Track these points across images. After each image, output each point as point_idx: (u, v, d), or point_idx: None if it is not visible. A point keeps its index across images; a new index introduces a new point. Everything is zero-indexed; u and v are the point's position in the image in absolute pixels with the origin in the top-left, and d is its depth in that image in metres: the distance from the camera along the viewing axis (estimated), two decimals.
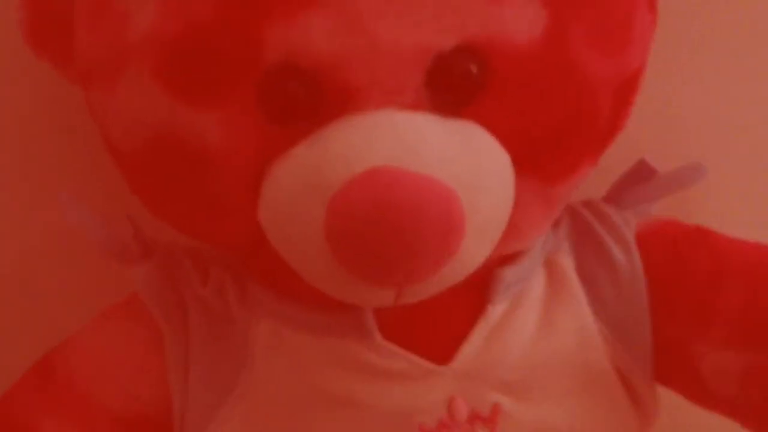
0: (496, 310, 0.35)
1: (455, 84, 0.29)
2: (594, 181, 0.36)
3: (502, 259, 0.35)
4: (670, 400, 0.38)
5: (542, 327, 0.36)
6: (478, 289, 0.35)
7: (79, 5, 0.32)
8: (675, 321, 0.36)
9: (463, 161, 0.29)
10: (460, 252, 0.29)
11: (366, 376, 0.34)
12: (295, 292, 0.34)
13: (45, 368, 0.37)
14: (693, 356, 0.36)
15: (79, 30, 0.32)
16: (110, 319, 0.37)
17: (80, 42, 0.33)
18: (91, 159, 0.39)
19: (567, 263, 0.37)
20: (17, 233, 0.43)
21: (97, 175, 0.39)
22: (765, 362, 0.35)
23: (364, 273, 0.29)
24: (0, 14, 0.37)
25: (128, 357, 0.36)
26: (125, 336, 0.37)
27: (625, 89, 0.33)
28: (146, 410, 0.36)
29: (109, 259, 0.36)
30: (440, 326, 0.35)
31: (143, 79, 0.30)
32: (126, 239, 0.36)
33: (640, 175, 0.38)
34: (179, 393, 0.36)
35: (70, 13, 0.33)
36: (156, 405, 0.36)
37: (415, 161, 0.28)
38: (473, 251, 0.30)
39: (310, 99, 0.29)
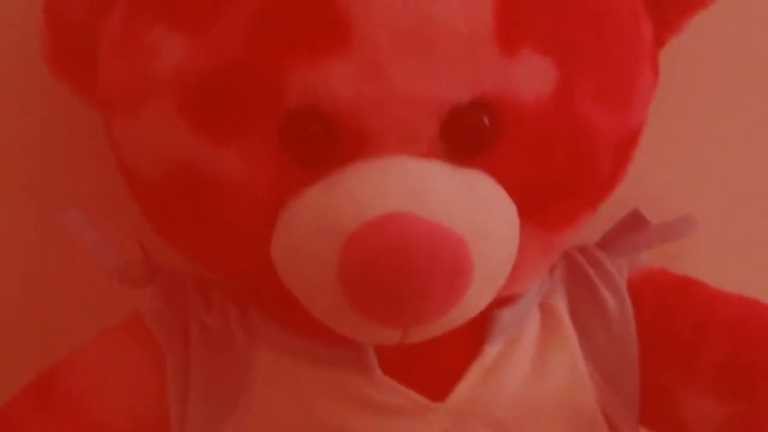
0: (492, 351, 0.36)
1: (468, 135, 0.31)
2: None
3: (500, 301, 0.36)
4: None
5: (535, 368, 0.37)
6: (476, 330, 0.36)
7: (107, 34, 0.33)
8: (662, 368, 0.38)
9: (473, 210, 0.30)
10: (466, 296, 0.30)
11: (363, 410, 0.35)
12: (298, 323, 0.35)
13: (44, 384, 0.37)
14: (677, 403, 0.37)
15: (104, 57, 0.33)
16: (111, 339, 0.38)
17: (105, 70, 0.33)
18: (100, 181, 0.40)
19: (561, 307, 0.38)
20: (23, 249, 0.43)
21: (105, 196, 0.40)
22: (746, 412, 0.36)
23: (374, 314, 0.30)
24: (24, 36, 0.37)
25: (128, 377, 0.37)
26: (126, 356, 0.37)
27: (626, 145, 0.35)
28: (144, 430, 0.37)
29: (114, 280, 0.37)
30: (438, 364, 0.36)
31: (167, 112, 0.31)
32: (133, 262, 0.37)
33: (633, 224, 0.40)
34: (177, 415, 0.36)
35: (94, 39, 0.34)
36: (154, 425, 0.36)
37: (427, 208, 0.29)
38: (479, 296, 0.31)
39: (328, 141, 0.30)
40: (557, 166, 0.32)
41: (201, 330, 0.37)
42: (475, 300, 0.31)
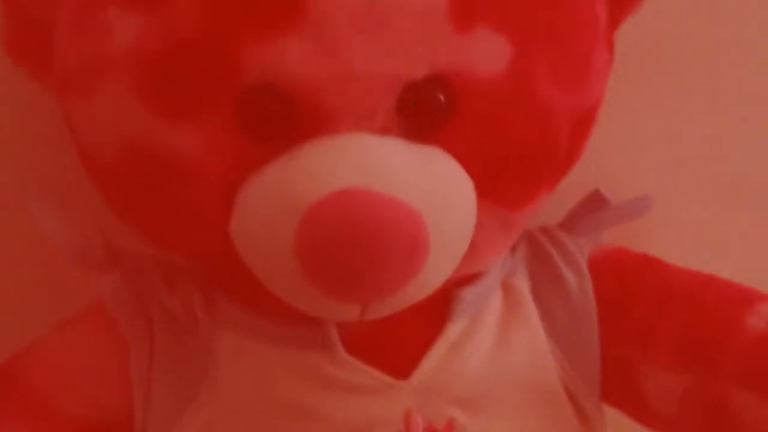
0: (455, 328, 0.36)
1: (424, 111, 0.31)
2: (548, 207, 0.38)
3: (462, 279, 0.37)
4: (615, 419, 0.40)
5: (498, 346, 0.37)
6: (438, 308, 0.36)
7: (61, 16, 0.33)
8: (622, 343, 0.38)
9: (429, 184, 0.30)
10: (424, 271, 0.30)
11: (326, 389, 0.35)
12: (259, 303, 0.35)
13: (6, 373, 0.37)
14: (637, 377, 0.38)
15: (59, 40, 0.33)
16: (74, 326, 0.38)
17: (60, 51, 0.33)
18: (62, 166, 0.40)
19: (523, 285, 0.39)
20: None
21: (67, 182, 0.40)
22: (703, 384, 0.37)
23: (331, 288, 0.30)
24: None
25: (92, 364, 0.37)
26: (89, 343, 0.37)
27: (583, 122, 0.35)
28: (109, 417, 0.37)
29: (76, 265, 0.37)
30: (401, 342, 0.36)
31: (122, 92, 0.31)
32: (95, 247, 0.36)
33: (594, 204, 0.40)
34: (142, 400, 0.36)
35: (51, 23, 0.33)
36: (118, 412, 0.36)
37: (383, 183, 0.29)
38: (436, 270, 0.32)
39: (285, 119, 0.30)
40: (513, 142, 0.33)
41: (164, 314, 0.37)
42: (433, 275, 0.32)
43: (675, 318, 0.38)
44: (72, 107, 0.33)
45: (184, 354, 0.36)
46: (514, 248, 0.39)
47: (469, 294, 0.37)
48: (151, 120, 0.31)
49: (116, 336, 0.36)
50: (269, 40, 0.29)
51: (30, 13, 0.34)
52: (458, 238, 0.32)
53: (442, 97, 0.31)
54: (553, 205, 0.39)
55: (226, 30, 0.29)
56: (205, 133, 0.31)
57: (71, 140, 0.35)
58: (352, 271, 0.29)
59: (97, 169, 0.34)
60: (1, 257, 0.43)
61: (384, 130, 0.31)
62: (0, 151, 0.42)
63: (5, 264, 0.43)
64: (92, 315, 0.37)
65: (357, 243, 0.29)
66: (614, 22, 0.36)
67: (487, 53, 0.31)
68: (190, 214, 0.32)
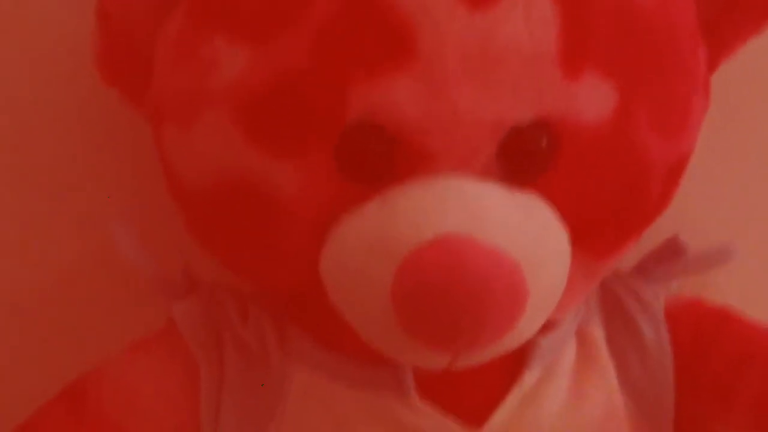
0: (530, 378, 0.36)
1: (525, 156, 0.30)
2: None
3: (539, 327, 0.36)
4: None
5: (572, 396, 0.36)
6: (515, 356, 0.35)
7: (163, 43, 0.33)
8: (697, 400, 0.37)
9: (528, 234, 0.30)
10: (520, 323, 0.30)
11: None
12: (336, 342, 0.35)
13: (76, 393, 0.36)
14: None
15: (160, 66, 0.33)
16: (145, 350, 0.37)
17: (159, 78, 0.33)
18: (146, 190, 0.40)
19: (598, 334, 0.38)
20: (64, 256, 0.43)
21: (150, 206, 0.40)
22: None
23: (427, 338, 0.29)
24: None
25: (161, 389, 0.36)
26: (160, 368, 0.36)
27: (676, 170, 0.34)
28: None
29: (153, 289, 0.36)
30: (475, 389, 0.35)
31: (223, 123, 0.31)
32: (173, 272, 0.36)
33: (672, 251, 0.39)
34: (209, 429, 0.36)
35: (148, 45, 0.33)
36: None
37: (484, 230, 0.29)
38: (531, 322, 0.31)
39: (386, 157, 0.30)
40: (610, 190, 0.32)
41: (236, 344, 0.36)
42: (527, 326, 0.31)
43: (754, 379, 0.37)
44: (167, 134, 0.33)
45: (254, 385, 0.36)
46: (588, 295, 0.38)
47: (546, 342, 0.36)
48: (251, 153, 0.30)
49: (188, 362, 0.36)
50: (377, 79, 0.29)
51: (127, 33, 0.34)
52: (553, 289, 0.31)
53: (544, 142, 0.30)
54: None
55: (334, 67, 0.29)
56: (303, 169, 0.30)
57: (159, 165, 0.35)
58: (451, 321, 0.28)
59: (186, 197, 0.34)
60: (78, 276, 0.43)
61: (483, 173, 0.30)
62: (84, 173, 0.43)
63: (82, 283, 0.43)
64: (164, 339, 0.37)
65: (458, 293, 0.28)
66: (712, 65, 0.35)
67: (593, 99, 0.30)
68: (279, 250, 0.32)
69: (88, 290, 0.43)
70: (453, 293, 0.28)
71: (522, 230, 0.30)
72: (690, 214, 0.42)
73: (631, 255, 0.40)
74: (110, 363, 0.37)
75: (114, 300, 0.43)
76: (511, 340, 0.31)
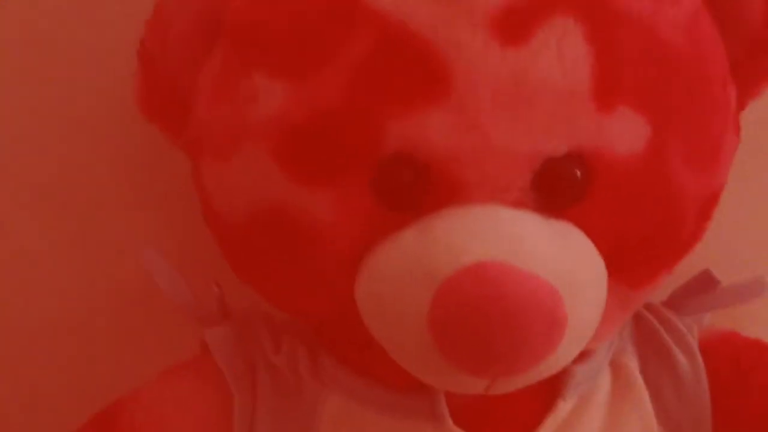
0: (565, 406, 0.36)
1: (559, 188, 0.31)
2: None
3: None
4: None
5: (608, 427, 0.36)
6: (550, 384, 0.35)
7: (203, 78, 0.34)
8: None
9: (565, 261, 0.30)
10: (558, 349, 0.30)
11: None
12: (370, 369, 0.35)
13: (109, 419, 0.37)
14: None
15: (200, 101, 0.34)
16: (179, 377, 0.38)
17: (200, 114, 0.34)
18: (177, 220, 0.41)
19: (632, 365, 0.38)
20: (99, 283, 0.44)
21: (187, 235, 0.41)
22: None
23: (465, 363, 0.30)
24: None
25: (194, 416, 0.37)
26: (193, 394, 0.37)
27: (708, 204, 0.35)
28: None
29: (188, 317, 0.37)
30: (510, 417, 0.35)
31: (261, 156, 0.32)
32: (207, 300, 0.37)
33: (703, 284, 0.39)
34: None
35: (187, 86, 0.35)
36: None
37: (520, 258, 0.29)
38: (569, 349, 0.31)
39: (421, 188, 0.31)
40: (644, 222, 0.32)
41: (269, 372, 0.37)
42: (565, 353, 0.31)
43: None
44: (206, 167, 0.34)
45: (287, 412, 0.36)
46: (622, 326, 0.39)
47: (581, 371, 0.36)
48: (288, 185, 0.31)
49: (221, 389, 0.36)
50: (412, 113, 0.30)
51: (167, 73, 0.35)
52: (591, 316, 0.32)
53: (578, 174, 0.31)
54: None
55: (371, 101, 0.30)
56: (340, 200, 0.31)
57: (195, 196, 0.36)
58: (489, 346, 0.29)
59: (224, 227, 0.35)
60: (112, 303, 0.44)
61: (518, 203, 0.31)
62: (121, 205, 0.44)
63: (116, 310, 0.44)
64: (198, 366, 0.38)
65: (496, 318, 0.28)
66: (741, 104, 0.36)
67: (627, 133, 0.31)
68: (315, 277, 0.33)
69: (124, 317, 0.44)
70: (491, 319, 0.28)
71: (559, 257, 0.30)
72: (722, 247, 0.43)
73: (663, 289, 0.40)
74: (143, 389, 0.38)
75: (149, 327, 0.43)
76: (549, 367, 0.31)
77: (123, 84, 0.36)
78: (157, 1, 0.35)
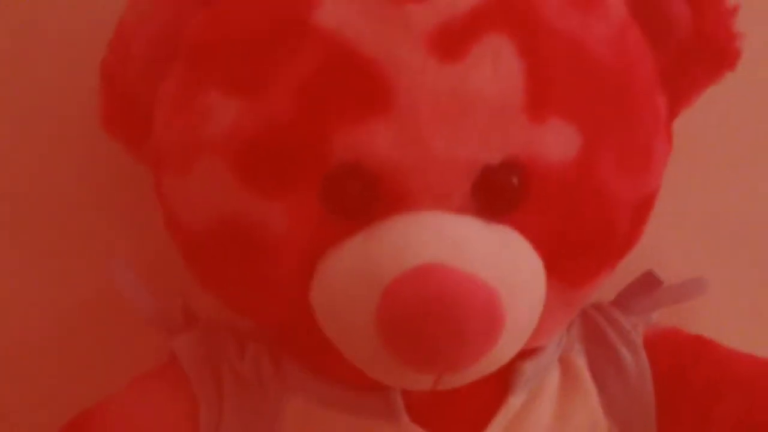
0: (515, 402, 0.37)
1: (498, 194, 0.33)
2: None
3: (523, 353, 0.37)
4: None
5: (557, 420, 0.38)
6: (500, 381, 0.37)
7: (163, 97, 0.36)
8: (678, 423, 0.39)
9: (504, 262, 0.32)
10: (498, 345, 0.31)
11: None
12: (329, 370, 0.37)
13: (79, 426, 0.38)
14: None
15: (160, 117, 0.36)
16: (147, 384, 0.39)
17: (159, 128, 0.36)
18: (147, 232, 0.42)
19: (580, 362, 0.40)
20: (65, 293, 0.45)
21: (151, 247, 0.42)
22: None
23: (410, 359, 0.31)
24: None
25: (162, 422, 0.38)
26: (161, 401, 0.38)
27: (642, 208, 0.37)
28: None
29: (153, 327, 0.38)
30: (463, 413, 0.37)
31: (218, 169, 0.33)
32: (172, 309, 0.38)
33: (647, 284, 0.41)
34: None
35: (147, 101, 0.36)
36: None
37: (461, 260, 0.31)
38: (509, 345, 0.33)
39: (368, 197, 0.32)
40: (579, 225, 0.34)
41: (234, 378, 0.38)
42: (505, 349, 0.33)
43: (730, 402, 0.38)
44: (166, 180, 0.36)
45: (252, 417, 0.38)
46: (569, 325, 0.40)
47: (529, 367, 0.38)
48: (243, 195, 0.33)
49: (188, 396, 0.38)
50: (357, 126, 0.31)
51: (128, 91, 0.37)
52: (529, 315, 0.33)
53: (515, 181, 0.32)
54: (604, 283, 0.40)
55: (318, 115, 0.32)
56: (291, 210, 0.33)
57: (158, 209, 0.37)
58: (432, 343, 0.30)
59: (184, 238, 0.36)
60: (79, 313, 0.45)
61: (460, 210, 0.32)
62: (86, 217, 0.45)
63: (83, 320, 0.45)
64: (165, 374, 0.39)
65: (437, 317, 0.30)
66: (673, 113, 0.38)
67: (558, 142, 0.33)
68: (271, 283, 0.34)
69: (91, 326, 0.45)
70: (433, 317, 0.30)
71: (498, 258, 0.32)
72: (663, 248, 0.45)
73: (609, 289, 0.42)
74: (113, 397, 0.39)
75: (117, 337, 0.44)
76: (491, 363, 0.33)
77: (89, 95, 0.38)
78: (118, 21, 0.36)
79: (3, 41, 0.44)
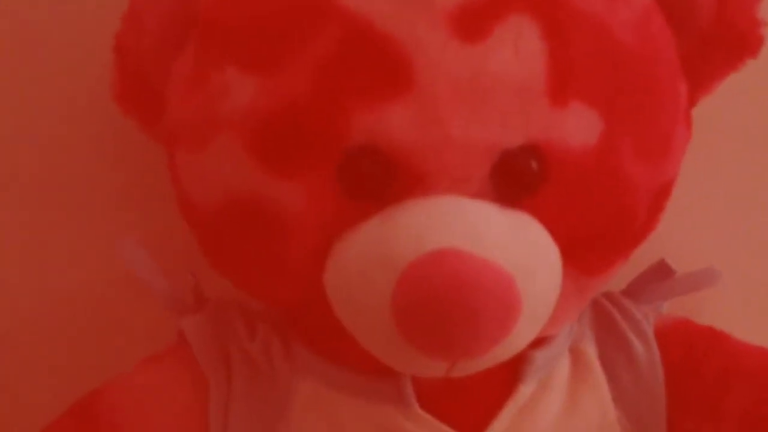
0: (526, 390, 0.37)
1: (516, 178, 0.32)
2: None
3: (535, 342, 0.37)
4: None
5: (567, 410, 0.38)
6: (511, 369, 0.37)
7: (178, 73, 0.35)
8: (688, 414, 0.39)
9: (521, 249, 0.32)
10: (513, 333, 0.31)
11: None
12: (340, 354, 0.36)
13: (87, 407, 0.38)
14: None
15: (174, 94, 0.35)
16: (156, 365, 0.39)
17: (173, 105, 0.35)
18: (153, 210, 0.42)
19: (590, 351, 0.39)
20: (76, 273, 0.45)
21: (162, 226, 0.42)
22: None
23: (425, 346, 0.31)
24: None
25: (172, 401, 0.38)
26: (169, 382, 0.38)
27: (660, 196, 0.36)
28: None
29: (165, 307, 0.38)
30: (473, 400, 0.37)
31: (233, 147, 0.33)
32: (183, 290, 0.38)
33: (659, 274, 0.41)
34: None
35: (162, 77, 0.36)
36: None
37: (479, 245, 0.31)
38: (524, 332, 0.33)
39: (385, 179, 0.32)
40: (597, 212, 0.34)
41: (244, 359, 0.38)
42: (520, 337, 0.33)
43: (741, 393, 0.38)
44: (180, 158, 0.35)
45: (261, 398, 0.37)
46: (581, 314, 0.40)
47: (540, 356, 0.37)
48: (259, 174, 0.32)
49: (197, 376, 0.38)
50: (376, 106, 0.31)
51: (142, 66, 0.36)
52: (545, 302, 0.33)
53: (534, 165, 0.32)
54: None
55: (336, 95, 0.31)
56: (308, 191, 0.32)
57: (170, 187, 0.37)
58: (447, 329, 0.30)
59: (198, 217, 0.36)
60: (90, 292, 0.45)
61: (478, 194, 0.32)
62: (96, 195, 0.44)
63: (94, 299, 0.45)
64: (175, 354, 0.39)
65: (454, 303, 0.30)
66: (693, 100, 0.37)
67: (580, 126, 0.32)
68: (285, 264, 0.34)
69: (102, 307, 0.45)
70: (449, 304, 0.30)
71: (514, 245, 0.31)
72: (677, 236, 0.44)
73: (621, 278, 0.42)
74: (121, 378, 0.38)
75: (125, 317, 0.44)
76: (506, 350, 0.33)
77: (102, 78, 0.37)
78: None
79: (12, 22, 0.43)
